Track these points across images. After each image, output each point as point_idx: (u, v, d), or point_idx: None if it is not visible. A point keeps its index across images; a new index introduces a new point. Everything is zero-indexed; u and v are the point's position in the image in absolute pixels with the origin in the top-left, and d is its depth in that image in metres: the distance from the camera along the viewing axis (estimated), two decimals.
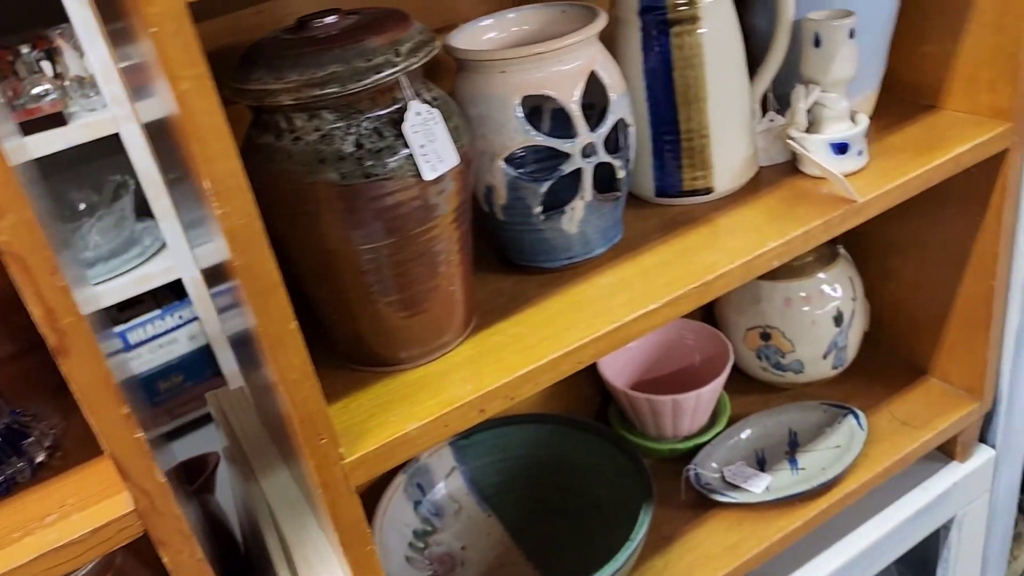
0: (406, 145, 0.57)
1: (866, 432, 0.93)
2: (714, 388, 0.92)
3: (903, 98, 0.89)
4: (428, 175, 0.57)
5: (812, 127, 0.79)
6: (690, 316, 1.00)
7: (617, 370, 0.99)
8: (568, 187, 0.68)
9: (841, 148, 0.77)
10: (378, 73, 0.54)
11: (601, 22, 0.67)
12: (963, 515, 1.04)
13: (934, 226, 0.93)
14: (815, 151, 0.77)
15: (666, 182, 0.78)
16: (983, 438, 1.03)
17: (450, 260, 0.64)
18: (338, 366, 0.67)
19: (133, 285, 1.77)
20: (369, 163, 0.56)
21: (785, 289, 0.96)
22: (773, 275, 0.95)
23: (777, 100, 0.81)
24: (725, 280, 0.70)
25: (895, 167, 0.78)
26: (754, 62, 0.79)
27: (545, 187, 0.68)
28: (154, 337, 2.36)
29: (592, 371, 0.95)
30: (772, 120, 0.81)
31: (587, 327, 0.66)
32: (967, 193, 0.87)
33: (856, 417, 0.95)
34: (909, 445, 0.94)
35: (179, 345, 2.23)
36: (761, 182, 0.80)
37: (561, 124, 0.68)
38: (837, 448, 0.93)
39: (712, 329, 0.99)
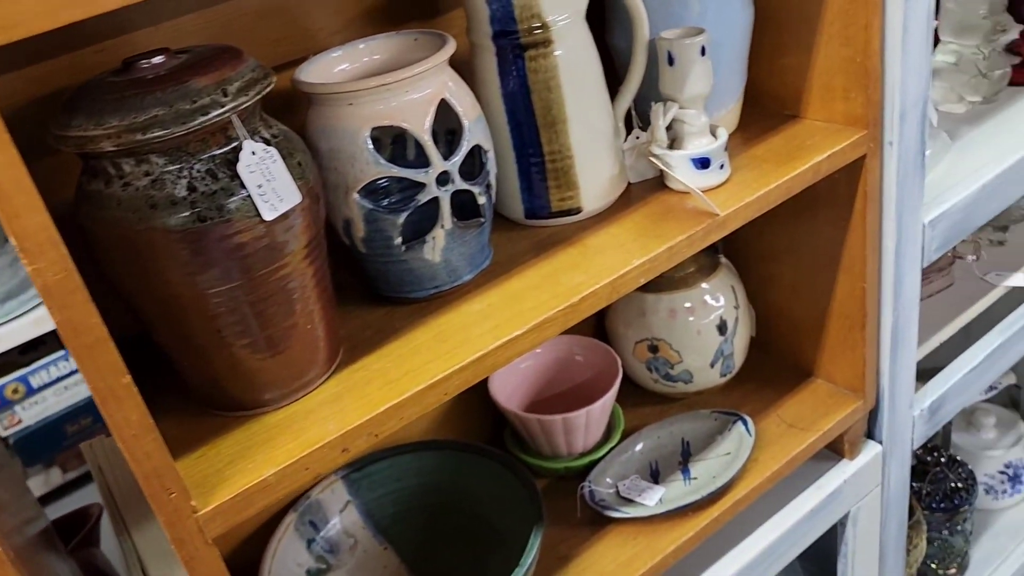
0: (243, 186, 0.55)
1: (754, 437, 0.95)
2: (604, 404, 0.92)
3: (766, 109, 0.91)
4: (268, 215, 0.56)
5: (674, 143, 0.80)
6: (581, 331, 1.01)
7: (509, 391, 0.98)
8: (427, 216, 0.68)
9: (702, 163, 0.78)
10: (204, 115, 0.53)
11: (448, 50, 0.67)
12: (857, 510, 1.06)
13: (806, 232, 0.95)
14: (677, 167, 0.78)
15: (535, 204, 0.78)
16: (870, 434, 1.05)
17: (306, 297, 0.63)
18: (199, 412, 0.65)
19: (31, 327, 1.70)
20: (204, 206, 0.54)
21: (669, 301, 0.97)
22: (657, 287, 0.96)
23: (641, 118, 0.82)
24: (591, 301, 0.70)
25: (756, 179, 0.80)
26: (617, 82, 0.80)
27: (402, 218, 0.67)
28: (59, 379, 2.27)
29: (486, 393, 0.95)
30: (638, 138, 0.82)
31: (451, 358, 0.65)
32: (833, 199, 0.89)
33: (744, 423, 0.96)
34: (797, 447, 0.95)
35: (85, 386, 2.14)
36: (630, 199, 0.81)
37: (418, 153, 0.67)
38: (727, 455, 0.95)
39: (601, 344, 1.00)
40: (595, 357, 1.00)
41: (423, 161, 0.66)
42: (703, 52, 0.75)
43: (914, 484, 1.28)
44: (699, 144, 0.79)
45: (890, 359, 0.98)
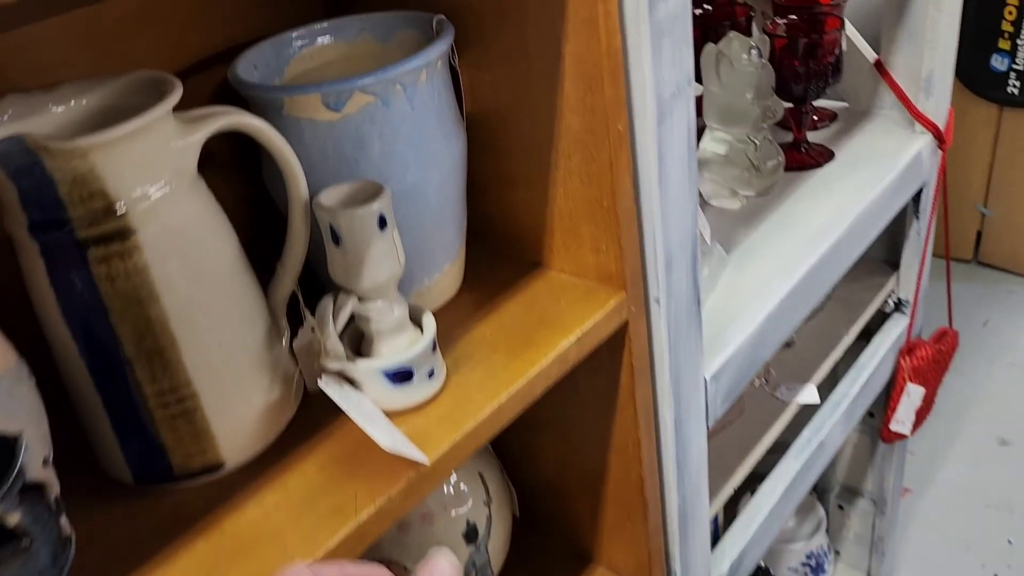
0: None
1: None
2: None
3: (503, 253, 0.69)
4: None
5: (362, 347, 0.55)
6: None
7: None
8: None
9: (401, 376, 0.53)
10: None
11: None
12: None
13: (569, 403, 0.73)
14: (366, 384, 0.54)
15: (147, 465, 0.51)
16: None
17: None
18: None
19: None
20: None
21: None
22: None
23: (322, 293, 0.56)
24: None
25: (483, 384, 0.56)
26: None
27: None
28: None
29: None
30: (314, 330, 0.56)
31: None
32: (595, 369, 0.68)
33: None
34: None
35: None
36: (306, 429, 0.55)
37: None
38: None
39: None
40: None
41: None
42: (383, 223, 0.50)
43: None
44: (394, 346, 0.54)
45: (680, 542, 0.78)
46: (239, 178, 0.67)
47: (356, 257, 0.50)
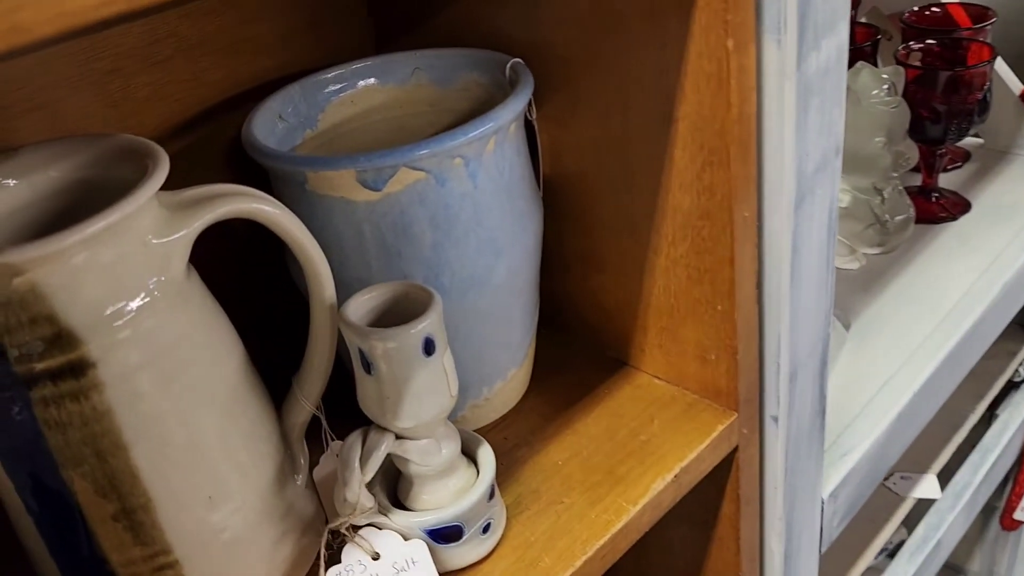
0: None
1: None
2: None
3: (580, 344, 0.56)
4: None
5: (399, 488, 0.43)
6: None
7: None
8: None
9: (448, 534, 0.41)
10: None
11: None
12: None
13: (655, 543, 0.60)
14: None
15: None
16: None
17: None
18: None
19: None
20: None
21: None
22: None
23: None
24: None
25: (554, 538, 0.43)
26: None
27: None
28: None
29: None
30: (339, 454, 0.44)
31: None
32: (689, 502, 0.54)
33: None
34: None
35: None
36: None
37: None
38: None
39: None
40: None
41: None
42: (429, 348, 0.37)
43: None
44: (440, 494, 0.41)
45: None
46: (251, 239, 0.55)
47: (393, 390, 0.38)
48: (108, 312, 0.33)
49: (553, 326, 0.56)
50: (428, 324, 0.37)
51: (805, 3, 0.39)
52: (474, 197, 0.41)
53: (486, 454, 0.43)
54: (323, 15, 0.54)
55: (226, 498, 0.38)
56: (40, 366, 0.33)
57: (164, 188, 0.35)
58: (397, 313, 0.38)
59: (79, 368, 0.33)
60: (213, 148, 0.51)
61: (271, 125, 0.46)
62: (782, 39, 0.39)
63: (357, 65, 0.49)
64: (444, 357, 0.38)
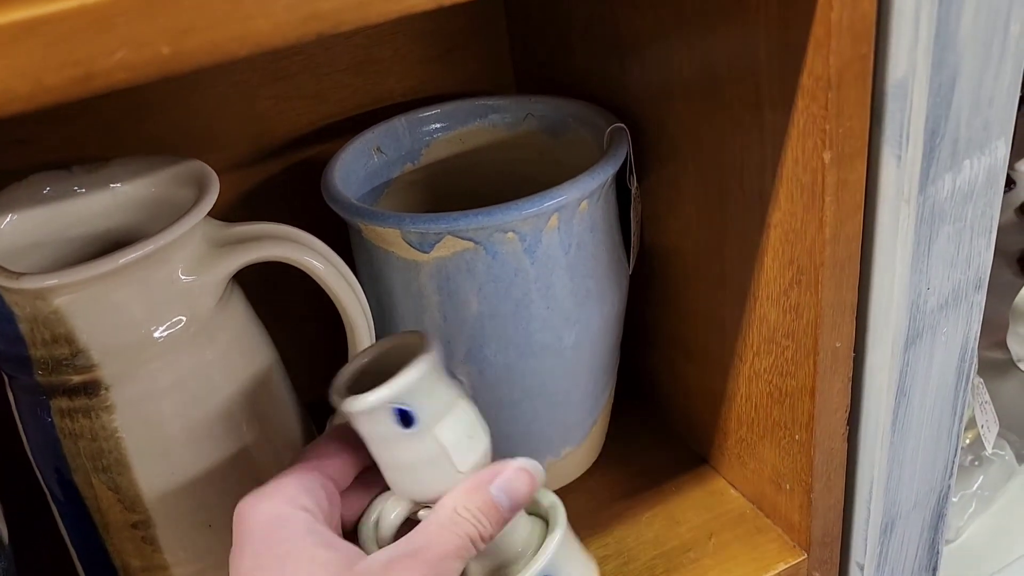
0: None
1: None
2: None
3: (664, 429, 0.51)
4: None
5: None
6: None
7: None
8: None
9: None
10: None
11: None
12: None
13: None
14: None
15: None
16: None
17: None
18: None
19: None
20: None
21: None
22: None
23: None
24: None
25: None
26: None
27: None
28: None
29: None
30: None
31: None
32: None
33: None
34: None
35: None
36: None
37: None
38: None
39: None
40: None
41: None
42: (405, 420, 0.34)
43: None
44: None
45: None
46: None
47: (381, 462, 0.36)
48: (126, 340, 0.34)
49: (636, 399, 0.52)
50: (393, 391, 0.33)
51: (938, 115, 0.32)
52: (529, 274, 0.38)
53: (559, 521, 0.38)
54: (464, 43, 0.53)
55: (224, 526, 0.39)
56: (58, 380, 0.35)
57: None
58: (374, 374, 0.36)
59: (92, 388, 0.35)
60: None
61: (365, 158, 0.45)
62: (902, 156, 0.33)
63: (468, 103, 0.47)
64: (438, 428, 0.35)
